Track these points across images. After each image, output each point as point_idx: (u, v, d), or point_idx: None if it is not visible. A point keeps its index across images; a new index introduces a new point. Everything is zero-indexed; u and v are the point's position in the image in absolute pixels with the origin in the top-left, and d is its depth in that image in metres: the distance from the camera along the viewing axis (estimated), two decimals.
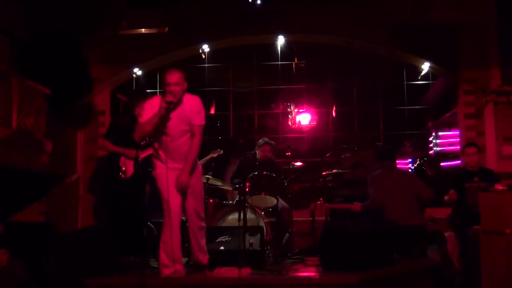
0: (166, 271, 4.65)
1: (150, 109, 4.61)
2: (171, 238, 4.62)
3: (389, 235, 5.20)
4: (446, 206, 6.31)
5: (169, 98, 4.46)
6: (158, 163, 4.75)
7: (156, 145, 4.75)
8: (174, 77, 4.55)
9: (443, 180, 6.66)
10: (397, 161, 7.64)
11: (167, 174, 4.60)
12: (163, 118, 4.53)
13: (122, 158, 5.70)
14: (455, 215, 6.13)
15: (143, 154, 5.68)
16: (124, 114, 5.97)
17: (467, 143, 6.58)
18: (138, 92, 6.33)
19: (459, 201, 5.97)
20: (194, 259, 4.94)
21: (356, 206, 5.81)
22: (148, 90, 8.47)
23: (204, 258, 4.90)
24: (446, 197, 6.10)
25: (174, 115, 4.60)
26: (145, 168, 5.69)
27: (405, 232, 5.50)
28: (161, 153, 4.70)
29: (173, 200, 4.66)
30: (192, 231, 4.83)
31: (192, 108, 4.68)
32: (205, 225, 4.96)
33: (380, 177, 5.84)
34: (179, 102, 4.61)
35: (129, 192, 5.65)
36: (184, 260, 5.00)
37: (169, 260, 4.65)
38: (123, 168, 5.69)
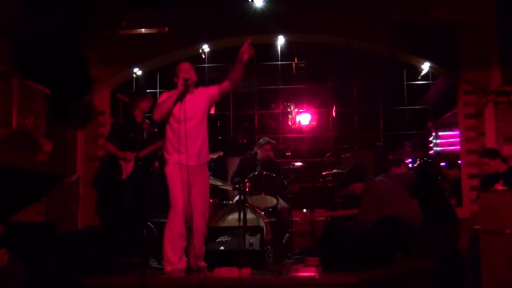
0: (169, 268, 4.67)
1: (166, 96, 4.81)
2: (177, 235, 4.68)
3: (394, 233, 5.17)
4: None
5: (186, 75, 4.74)
6: (170, 159, 4.80)
7: (170, 134, 4.81)
8: (187, 65, 4.88)
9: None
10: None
11: (180, 170, 4.70)
12: (181, 95, 4.73)
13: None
14: None
15: (143, 152, 5.72)
16: (123, 115, 6.05)
17: (482, 152, 6.45)
18: (138, 92, 6.34)
19: None
20: (191, 264, 4.91)
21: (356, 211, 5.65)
22: (148, 90, 8.54)
23: (201, 263, 4.93)
24: None
25: (189, 100, 4.77)
26: (146, 168, 5.72)
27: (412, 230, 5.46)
28: (174, 141, 4.76)
29: (181, 198, 4.70)
30: (197, 235, 4.84)
31: (206, 90, 4.96)
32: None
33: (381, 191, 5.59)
34: (192, 91, 4.84)
35: (128, 192, 5.68)
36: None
37: (174, 257, 4.67)
38: (122, 169, 5.75)
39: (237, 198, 6.46)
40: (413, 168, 8.18)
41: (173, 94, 4.73)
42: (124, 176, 5.73)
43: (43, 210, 7.13)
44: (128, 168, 5.74)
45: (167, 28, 7.22)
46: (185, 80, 4.70)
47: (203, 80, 8.77)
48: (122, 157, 5.73)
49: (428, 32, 7.24)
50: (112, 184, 5.88)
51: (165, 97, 4.79)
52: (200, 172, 4.85)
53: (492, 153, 6.26)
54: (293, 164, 7.16)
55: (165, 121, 4.83)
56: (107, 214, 6.18)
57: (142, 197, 5.86)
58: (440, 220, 5.76)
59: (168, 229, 4.72)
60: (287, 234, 6.28)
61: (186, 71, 4.80)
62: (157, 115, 4.79)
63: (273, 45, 8.26)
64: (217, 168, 6.96)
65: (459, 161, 7.56)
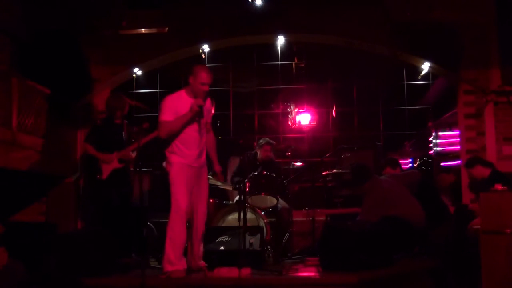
0: (169, 268, 4.66)
1: (172, 106, 4.78)
2: (178, 235, 4.69)
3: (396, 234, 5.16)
4: None
5: (200, 102, 4.72)
6: (174, 158, 4.79)
7: (176, 140, 4.81)
8: (210, 78, 4.82)
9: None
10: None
11: (183, 171, 4.74)
12: (192, 118, 4.76)
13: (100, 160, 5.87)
14: None
15: (126, 151, 5.83)
16: (102, 117, 6.12)
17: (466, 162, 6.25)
18: (118, 96, 6.26)
19: None
20: (190, 264, 4.91)
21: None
22: (148, 90, 8.54)
23: (201, 263, 4.94)
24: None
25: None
26: (127, 168, 5.77)
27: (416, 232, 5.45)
28: (181, 146, 4.79)
29: (185, 198, 4.72)
30: (196, 235, 4.86)
31: (208, 107, 5.01)
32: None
33: (384, 190, 5.64)
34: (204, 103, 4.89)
35: (112, 192, 5.70)
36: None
37: (175, 258, 4.67)
38: (101, 169, 5.82)
39: (237, 198, 6.46)
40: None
41: (184, 116, 4.71)
42: (104, 177, 5.77)
43: (43, 210, 7.11)
44: (105, 169, 5.79)
45: (167, 28, 7.22)
46: (200, 107, 4.72)
47: None
48: (101, 158, 5.80)
49: (428, 32, 7.23)
50: (93, 185, 5.93)
51: (169, 114, 4.74)
52: (201, 173, 4.92)
53: (471, 162, 6.05)
54: (293, 164, 7.17)
55: None
56: (93, 214, 6.20)
57: (126, 196, 5.89)
58: (440, 220, 5.76)
59: (170, 229, 4.72)
60: (287, 234, 6.28)
61: (207, 85, 4.77)
62: (165, 134, 4.78)
63: (273, 45, 8.25)
64: None
65: (458, 162, 7.56)
